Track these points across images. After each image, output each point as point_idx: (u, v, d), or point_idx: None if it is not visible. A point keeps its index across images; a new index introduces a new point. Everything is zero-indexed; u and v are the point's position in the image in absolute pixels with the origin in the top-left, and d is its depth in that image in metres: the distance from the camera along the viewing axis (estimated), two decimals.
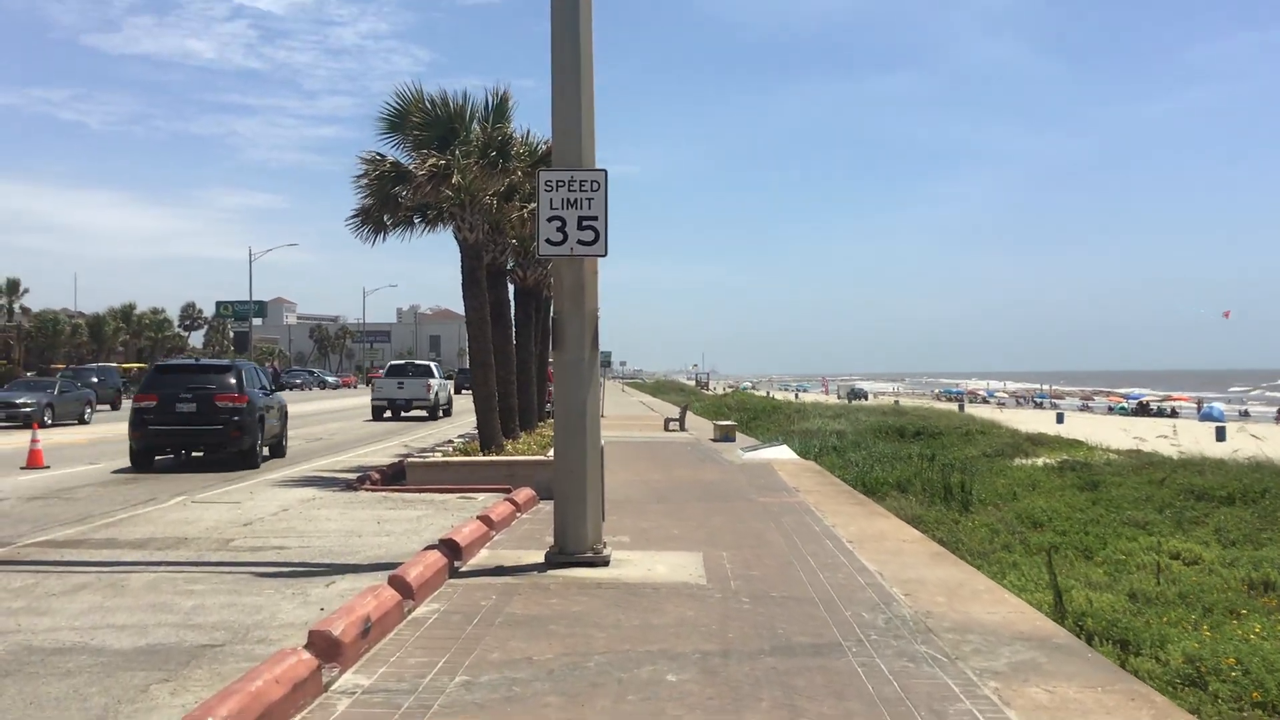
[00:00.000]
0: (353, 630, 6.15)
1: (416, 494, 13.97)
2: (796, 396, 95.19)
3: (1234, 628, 11.01)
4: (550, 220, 9.21)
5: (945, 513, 19.39)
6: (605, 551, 9.20)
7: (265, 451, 19.39)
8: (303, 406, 42.22)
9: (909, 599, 7.99)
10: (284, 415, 20.95)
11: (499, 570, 8.93)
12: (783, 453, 22.21)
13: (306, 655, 5.53)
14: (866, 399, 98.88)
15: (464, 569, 8.95)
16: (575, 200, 9.21)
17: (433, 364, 40.71)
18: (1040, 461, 29.75)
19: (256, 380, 20.00)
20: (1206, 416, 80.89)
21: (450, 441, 19.50)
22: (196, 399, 18.14)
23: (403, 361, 43.80)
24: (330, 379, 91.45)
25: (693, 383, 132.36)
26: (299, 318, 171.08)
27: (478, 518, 10.70)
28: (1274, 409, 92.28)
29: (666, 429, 31.17)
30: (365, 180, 15.61)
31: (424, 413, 37.36)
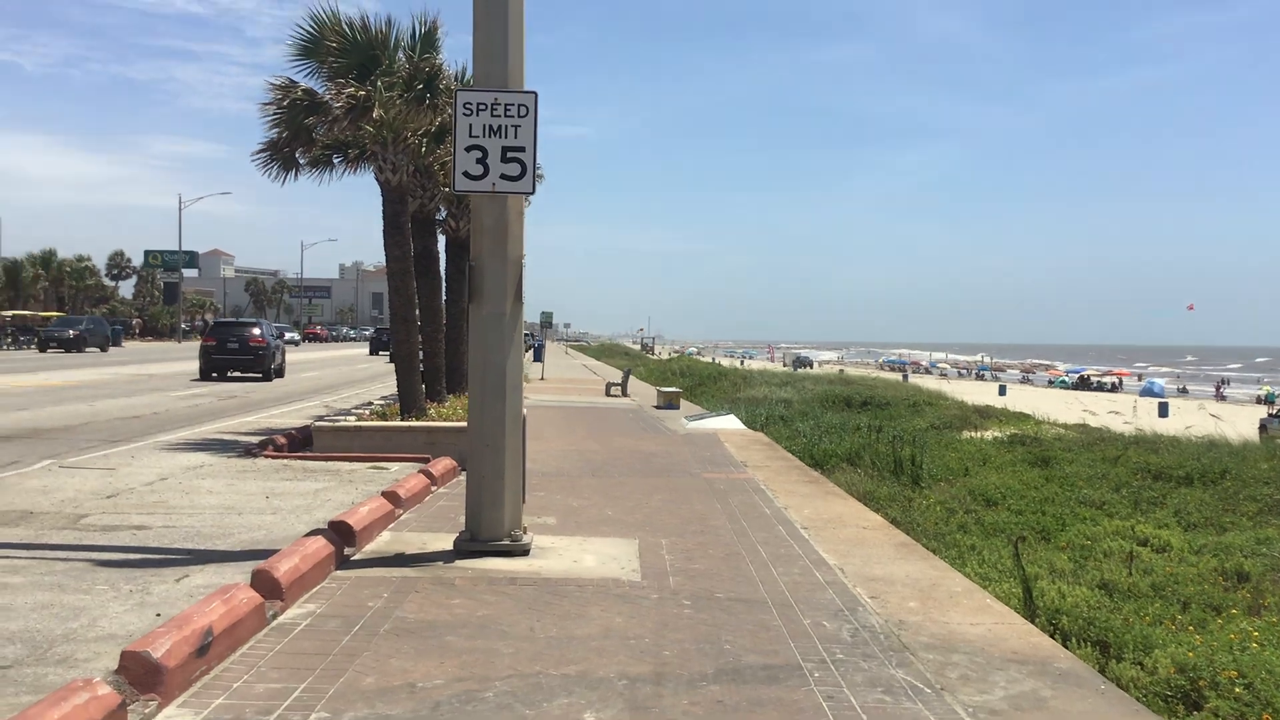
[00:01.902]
0: (183, 649, 4.80)
1: (322, 463, 12.52)
2: (742, 363, 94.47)
3: (1219, 628, 10.02)
4: (469, 150, 7.82)
5: (897, 489, 18.42)
6: (525, 539, 7.90)
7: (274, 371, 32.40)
8: None
9: (877, 603, 6.80)
10: (283, 352, 34.52)
11: (398, 560, 7.60)
12: (729, 422, 21.03)
13: (105, 689, 4.17)
14: (811, 367, 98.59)
15: (356, 557, 7.61)
16: (499, 127, 7.82)
17: None
18: (989, 435, 28.97)
19: (271, 331, 33.88)
20: (1147, 392, 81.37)
21: (370, 404, 18.04)
22: (239, 340, 31.29)
23: None
24: (291, 334, 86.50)
25: (638, 347, 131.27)
26: (236, 271, 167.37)
27: (382, 493, 9.34)
28: (1211, 386, 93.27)
29: (608, 394, 29.89)
30: (274, 109, 13.94)
31: None
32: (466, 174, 7.82)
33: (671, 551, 8.21)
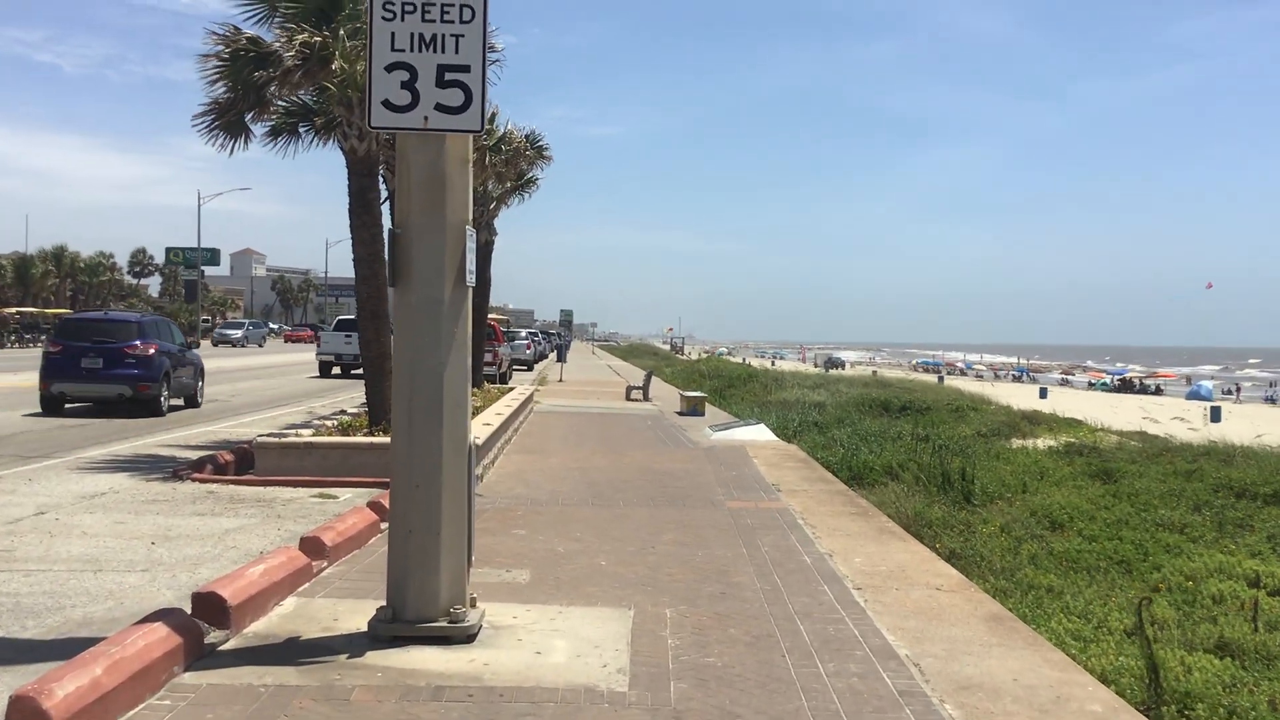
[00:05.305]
0: None
1: (259, 488, 10.29)
2: (773, 364, 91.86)
3: None
4: (391, 70, 5.57)
5: (950, 510, 16.09)
6: (469, 617, 5.60)
7: None
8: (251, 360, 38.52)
9: None
10: None
11: (287, 650, 5.33)
12: (759, 433, 18.68)
13: None
14: (844, 368, 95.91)
15: (227, 646, 5.34)
16: (434, 38, 5.57)
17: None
18: (1041, 443, 26.51)
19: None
20: (1194, 395, 77.99)
21: (343, 412, 15.83)
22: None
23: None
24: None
25: (667, 347, 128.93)
26: (268, 270, 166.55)
27: (301, 540, 7.11)
28: (1262, 390, 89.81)
29: (628, 398, 27.59)
30: (215, 61, 11.64)
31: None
32: (388, 103, 5.56)
33: (678, 631, 5.91)
